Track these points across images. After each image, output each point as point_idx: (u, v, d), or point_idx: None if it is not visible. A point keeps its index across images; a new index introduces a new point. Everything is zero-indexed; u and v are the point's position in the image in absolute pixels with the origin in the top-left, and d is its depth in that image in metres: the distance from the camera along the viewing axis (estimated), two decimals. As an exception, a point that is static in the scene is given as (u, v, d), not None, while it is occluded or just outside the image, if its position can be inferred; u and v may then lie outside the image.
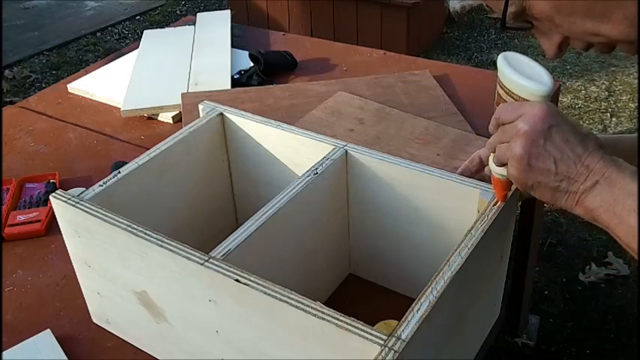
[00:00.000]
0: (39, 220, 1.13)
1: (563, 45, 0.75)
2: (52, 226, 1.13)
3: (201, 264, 0.72)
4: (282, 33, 1.89)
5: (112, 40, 3.93)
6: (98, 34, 4.00)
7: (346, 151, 0.92)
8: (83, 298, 0.94)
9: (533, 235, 1.55)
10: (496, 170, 0.76)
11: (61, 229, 0.87)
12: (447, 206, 0.86)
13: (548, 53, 0.77)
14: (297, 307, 0.65)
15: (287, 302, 0.66)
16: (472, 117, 1.35)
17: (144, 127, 1.44)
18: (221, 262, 0.72)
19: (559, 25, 0.72)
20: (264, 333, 0.71)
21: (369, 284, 1.01)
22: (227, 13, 1.95)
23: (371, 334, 0.62)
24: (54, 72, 3.55)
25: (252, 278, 0.69)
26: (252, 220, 0.81)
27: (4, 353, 0.89)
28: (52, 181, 1.24)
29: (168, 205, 0.98)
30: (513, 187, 0.78)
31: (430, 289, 0.67)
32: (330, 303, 0.68)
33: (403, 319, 0.63)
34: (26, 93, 3.26)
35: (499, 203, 0.79)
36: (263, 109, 1.38)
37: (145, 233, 0.76)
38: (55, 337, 0.91)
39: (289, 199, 0.84)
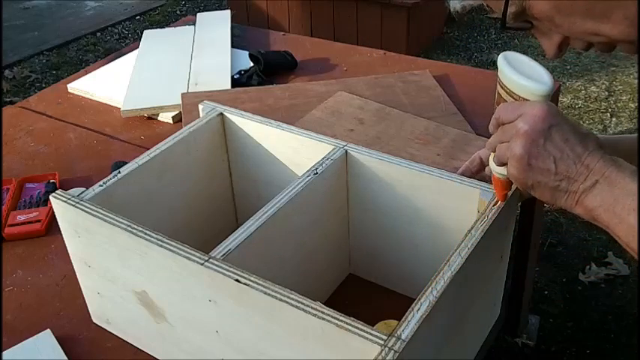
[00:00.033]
0: (39, 220, 1.13)
1: (563, 45, 0.75)
2: (52, 226, 1.13)
3: (201, 264, 0.72)
4: (282, 33, 1.89)
5: (112, 40, 3.93)
6: (98, 34, 4.00)
7: (346, 151, 0.92)
8: (83, 298, 0.94)
9: (533, 235, 1.55)
10: (496, 170, 0.76)
11: (61, 229, 0.87)
12: (447, 206, 0.86)
13: (549, 53, 0.77)
14: (297, 307, 0.65)
15: (287, 302, 0.66)
16: (472, 117, 1.35)
17: (144, 127, 1.44)
18: (221, 262, 0.72)
19: (559, 25, 0.72)
20: (264, 333, 0.71)
21: (369, 284, 1.01)
22: (227, 13, 1.95)
23: (371, 334, 0.62)
24: (54, 72, 3.55)
25: (252, 278, 0.69)
26: (252, 220, 0.81)
27: (4, 353, 0.89)
28: (52, 181, 1.24)
29: (168, 205, 0.98)
30: (514, 187, 0.79)
31: (430, 289, 0.67)
32: (330, 303, 0.68)
33: (403, 319, 0.63)
34: (26, 93, 3.26)
35: (499, 203, 0.79)
36: (263, 109, 1.38)
37: (145, 233, 0.76)
38: (55, 337, 0.91)
39: (289, 199, 0.84)
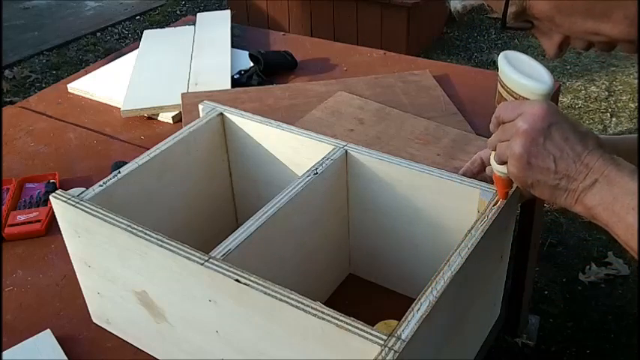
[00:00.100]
0: (39, 220, 1.13)
1: (563, 45, 0.75)
2: (52, 226, 1.13)
3: (201, 264, 0.72)
4: (282, 33, 1.89)
5: (112, 40, 3.93)
6: (98, 34, 4.00)
7: (346, 151, 0.92)
8: (83, 298, 0.93)
9: (533, 235, 1.55)
10: (497, 168, 0.76)
11: (61, 229, 0.87)
12: (447, 206, 0.86)
13: (549, 53, 0.77)
14: (297, 307, 0.65)
15: (287, 302, 0.66)
16: (472, 117, 1.35)
17: (144, 127, 1.44)
18: (221, 262, 0.72)
19: (559, 25, 0.72)
20: (264, 333, 0.71)
21: (369, 284, 1.01)
22: (227, 13, 1.95)
23: (371, 334, 0.62)
24: (54, 72, 3.55)
25: (252, 278, 0.69)
26: (252, 220, 0.81)
27: (4, 353, 0.89)
28: (52, 181, 1.24)
29: (168, 205, 0.98)
30: (515, 185, 0.79)
31: (430, 289, 0.67)
32: (330, 303, 0.68)
33: (403, 319, 0.63)
34: (26, 93, 3.26)
35: (499, 203, 0.79)
36: (263, 109, 1.38)
37: (145, 233, 0.76)
38: (55, 337, 0.91)
39: (289, 199, 0.84)
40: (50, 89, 1.67)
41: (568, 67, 3.30)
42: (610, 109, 2.93)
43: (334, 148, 0.92)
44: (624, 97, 3.02)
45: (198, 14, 1.96)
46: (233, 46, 1.74)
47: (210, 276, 0.71)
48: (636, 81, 3.13)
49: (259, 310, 0.69)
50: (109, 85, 1.60)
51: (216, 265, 0.71)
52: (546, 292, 2.00)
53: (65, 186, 1.23)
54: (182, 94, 1.47)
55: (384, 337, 0.61)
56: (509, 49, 0.76)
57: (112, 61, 1.74)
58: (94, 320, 0.95)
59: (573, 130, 0.67)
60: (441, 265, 0.70)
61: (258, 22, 3.61)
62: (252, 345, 0.73)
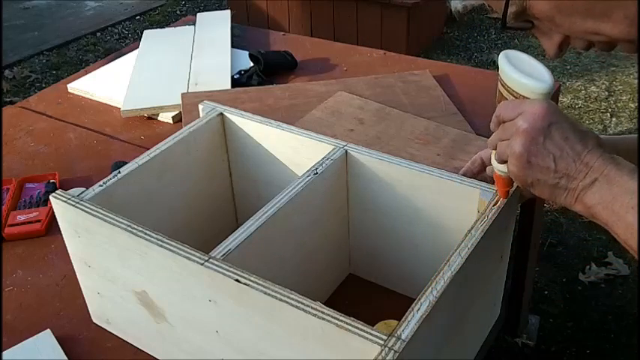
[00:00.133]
0: (39, 220, 1.13)
1: (563, 44, 0.76)
2: (52, 226, 1.13)
3: (201, 264, 0.72)
4: (282, 33, 1.89)
5: (112, 40, 3.93)
6: (98, 34, 4.00)
7: (346, 151, 0.92)
8: (83, 298, 0.93)
9: (533, 235, 1.55)
10: (498, 167, 0.77)
11: (61, 229, 0.87)
12: (447, 206, 0.86)
13: (549, 53, 0.77)
14: (297, 307, 0.65)
15: (287, 302, 0.66)
16: (472, 117, 1.35)
17: (144, 127, 1.44)
18: (221, 262, 0.72)
19: (559, 25, 0.72)
20: (264, 333, 0.71)
21: (369, 284, 1.01)
22: (227, 13, 1.95)
23: (371, 334, 0.62)
24: (54, 72, 3.55)
25: (252, 278, 0.69)
26: (252, 220, 0.81)
27: (4, 353, 0.89)
28: (52, 181, 1.24)
29: (168, 205, 0.98)
30: (515, 184, 0.79)
31: (430, 289, 0.67)
32: (330, 303, 0.68)
33: (403, 319, 0.63)
34: (26, 93, 3.26)
35: (499, 203, 0.79)
36: (263, 109, 1.38)
37: (145, 233, 0.76)
38: (55, 337, 0.91)
39: (289, 199, 0.84)
40: (50, 89, 1.67)
41: (568, 67, 3.30)
42: (610, 109, 2.93)
43: (334, 148, 0.92)
44: (624, 97, 3.02)
45: (198, 14, 1.96)
46: (233, 46, 1.74)
47: (210, 276, 0.71)
48: (636, 81, 3.13)
49: (259, 310, 0.69)
50: (109, 85, 1.60)
51: (216, 265, 0.71)
52: (546, 292, 2.00)
53: (65, 186, 1.23)
54: (182, 94, 1.47)
55: (384, 337, 0.61)
56: (510, 49, 0.76)
57: (112, 61, 1.74)
58: (94, 320, 0.95)
59: (573, 129, 0.67)
60: (441, 265, 0.70)
61: (258, 22, 3.61)
62: (252, 345, 0.73)
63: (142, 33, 1.87)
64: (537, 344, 1.81)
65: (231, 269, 0.70)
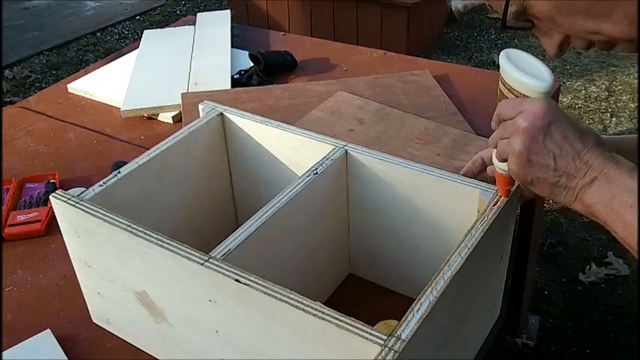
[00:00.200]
0: (39, 220, 1.13)
1: (564, 44, 0.76)
2: (52, 226, 1.13)
3: (201, 264, 0.72)
4: (282, 33, 1.89)
5: (112, 40, 3.93)
6: (98, 34, 4.00)
7: (346, 151, 0.92)
8: (83, 298, 0.93)
9: (533, 235, 1.55)
10: (499, 166, 0.77)
11: (61, 229, 0.87)
12: (447, 206, 0.86)
13: (549, 53, 0.77)
14: (297, 307, 0.65)
15: (287, 302, 0.66)
16: (472, 117, 1.35)
17: (144, 127, 1.44)
18: (221, 262, 0.71)
19: (560, 25, 0.72)
20: (264, 333, 0.71)
21: (369, 284, 1.01)
22: (227, 13, 1.95)
23: (371, 334, 0.62)
24: (54, 72, 3.55)
25: (252, 278, 0.69)
26: (252, 220, 0.81)
27: (4, 353, 0.89)
28: (52, 181, 1.24)
29: (169, 205, 0.98)
30: (516, 183, 0.79)
31: (430, 289, 0.67)
32: (330, 303, 0.68)
33: (403, 319, 0.63)
34: (26, 93, 3.26)
35: (499, 203, 0.79)
36: (263, 109, 1.38)
37: (145, 233, 0.76)
38: (55, 337, 0.91)
39: (289, 199, 0.84)
40: (50, 89, 1.67)
41: (568, 67, 3.30)
42: (610, 109, 2.93)
43: (334, 148, 0.92)
44: (624, 97, 3.02)
45: (198, 14, 1.96)
46: (233, 46, 1.74)
47: (210, 276, 0.71)
48: (636, 81, 3.13)
49: (259, 310, 0.69)
50: (109, 85, 1.60)
51: (216, 265, 0.71)
52: (546, 292, 2.00)
53: (65, 186, 1.23)
54: (182, 94, 1.47)
55: (384, 337, 0.61)
56: (510, 48, 0.76)
57: (112, 61, 1.74)
58: (94, 320, 0.95)
59: (573, 128, 0.67)
60: (441, 265, 0.70)
61: (258, 22, 3.61)
62: (252, 345, 0.73)
63: (142, 33, 1.87)
64: (537, 344, 1.81)
65: (231, 269, 0.70)
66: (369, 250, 0.99)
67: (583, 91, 3.08)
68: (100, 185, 0.87)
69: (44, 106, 1.55)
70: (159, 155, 0.94)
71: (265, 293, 0.67)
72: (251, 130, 1.02)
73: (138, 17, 4.21)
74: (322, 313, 0.64)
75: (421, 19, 3.36)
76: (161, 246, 0.74)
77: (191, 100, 1.42)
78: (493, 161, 0.78)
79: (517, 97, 0.72)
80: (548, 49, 0.77)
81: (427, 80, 1.50)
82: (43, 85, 3.34)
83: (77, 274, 0.91)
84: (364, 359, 0.61)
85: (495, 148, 0.75)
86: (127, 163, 0.92)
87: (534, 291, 1.95)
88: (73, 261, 0.90)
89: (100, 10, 4.32)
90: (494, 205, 0.79)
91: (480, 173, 0.89)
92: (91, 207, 0.81)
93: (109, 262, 0.83)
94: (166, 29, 1.93)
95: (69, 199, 0.83)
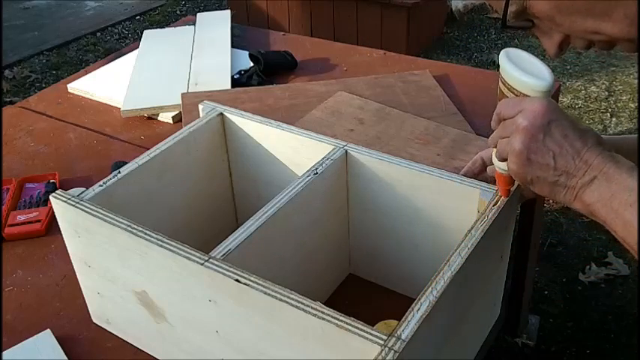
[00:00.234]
0: (39, 220, 1.13)
1: (564, 44, 0.76)
2: (52, 226, 1.13)
3: (201, 264, 0.72)
4: (282, 33, 1.89)
5: (112, 40, 3.93)
6: (98, 34, 3.99)
7: (346, 151, 0.92)
8: (83, 298, 0.93)
9: (533, 235, 1.55)
10: (499, 165, 0.77)
11: (61, 229, 0.87)
12: (447, 206, 0.86)
13: (549, 52, 0.77)
14: (297, 307, 0.65)
15: (287, 302, 0.66)
16: (472, 117, 1.35)
17: (144, 127, 1.44)
18: (221, 262, 0.71)
19: (560, 24, 0.72)
20: (264, 333, 0.71)
21: (369, 284, 1.01)
22: (227, 13, 1.95)
23: (371, 334, 0.62)
24: (54, 72, 3.55)
25: (252, 278, 0.69)
26: (252, 220, 0.81)
27: (4, 353, 0.89)
28: (52, 181, 1.24)
29: (169, 205, 0.98)
30: (516, 183, 0.79)
31: (430, 289, 0.67)
32: (330, 303, 0.68)
33: (403, 319, 0.63)
34: (26, 93, 3.26)
35: (499, 203, 0.79)
36: (263, 109, 1.38)
37: (145, 233, 0.76)
38: (55, 337, 0.91)
39: (289, 199, 0.84)
40: (50, 89, 1.67)
41: (568, 67, 3.30)
42: (610, 109, 2.93)
43: (334, 148, 0.92)
44: (624, 97, 3.02)
45: (198, 14, 1.96)
46: (233, 46, 1.74)
47: (210, 276, 0.71)
48: (636, 81, 3.13)
49: (259, 310, 0.69)
50: (109, 85, 1.60)
51: (216, 265, 0.71)
52: (546, 292, 2.00)
53: (65, 186, 1.23)
54: (182, 94, 1.47)
55: (384, 337, 0.61)
56: (510, 47, 0.76)
57: (112, 61, 1.74)
58: (94, 320, 0.95)
59: (573, 127, 0.67)
60: (441, 265, 0.70)
61: (258, 22, 3.61)
62: (252, 345, 0.73)
63: (142, 33, 1.87)
64: (537, 344, 1.81)
65: (231, 269, 0.70)
66: (369, 250, 0.99)
67: (583, 91, 3.09)
68: (100, 185, 0.87)
69: (44, 106, 1.55)
70: (159, 155, 0.94)
71: (265, 293, 0.67)
72: (251, 130, 1.02)
73: (138, 17, 4.21)
74: (322, 313, 0.64)
75: (421, 19, 3.36)
76: (161, 246, 0.74)
77: (191, 100, 1.42)
78: (493, 161, 0.78)
79: (517, 96, 0.72)
80: (548, 49, 0.77)
81: (427, 80, 1.50)
82: (43, 85, 3.34)
83: (77, 274, 0.91)
84: (364, 359, 0.61)
85: (495, 147, 0.75)
86: (127, 163, 0.92)
87: (534, 291, 1.95)
88: (73, 261, 0.90)
89: (100, 10, 4.32)
90: (494, 205, 0.79)
91: (480, 173, 0.89)
92: (91, 207, 0.81)
93: (109, 262, 0.83)
94: (166, 29, 1.93)
95: (69, 199, 0.83)
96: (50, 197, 0.84)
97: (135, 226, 0.77)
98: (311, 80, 1.56)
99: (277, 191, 0.85)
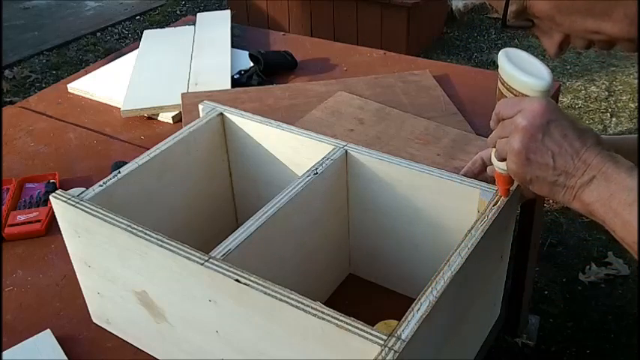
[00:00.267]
0: (39, 220, 1.13)
1: (564, 44, 0.76)
2: (52, 226, 1.13)
3: (201, 264, 0.72)
4: (282, 33, 1.89)
5: (112, 40, 3.93)
6: (98, 34, 4.00)
7: (346, 151, 0.92)
8: (83, 298, 0.93)
9: (533, 235, 1.55)
10: (498, 165, 0.77)
11: (61, 229, 0.87)
12: (447, 206, 0.86)
13: (550, 52, 0.77)
14: (297, 307, 0.65)
15: (287, 302, 0.66)
16: (472, 117, 1.35)
17: (144, 127, 1.44)
18: (221, 262, 0.71)
19: (560, 24, 0.73)
20: (264, 333, 0.71)
21: (369, 284, 1.01)
22: (227, 13, 1.95)
23: (371, 334, 0.62)
24: (54, 72, 3.55)
25: (252, 278, 0.69)
26: (252, 220, 0.81)
27: (4, 353, 0.89)
28: (52, 181, 1.24)
29: (169, 205, 0.98)
30: (516, 182, 0.79)
31: (430, 289, 0.67)
32: (330, 303, 0.68)
33: (403, 319, 0.63)
34: (26, 93, 3.26)
35: (499, 203, 0.79)
36: (263, 109, 1.38)
37: (145, 233, 0.76)
38: (55, 337, 0.91)
39: (289, 199, 0.84)
40: (50, 89, 1.67)
41: (568, 67, 3.30)
42: (610, 109, 2.93)
43: (334, 148, 0.92)
44: (624, 97, 3.02)
45: (198, 14, 1.96)
46: (233, 46, 1.74)
47: (210, 276, 0.71)
48: (636, 81, 3.13)
49: (259, 310, 0.69)
50: (109, 85, 1.60)
51: (216, 265, 0.71)
52: (546, 292, 2.00)
53: (65, 186, 1.23)
54: (182, 94, 1.47)
55: (384, 337, 0.61)
56: (510, 47, 0.76)
57: (112, 61, 1.74)
58: (94, 320, 0.95)
59: (572, 126, 0.67)
60: (441, 265, 0.70)
61: (258, 22, 3.61)
62: (252, 345, 0.73)
63: (142, 33, 1.87)
64: (537, 344, 1.81)
65: (231, 269, 0.70)
66: (369, 250, 0.99)
67: (583, 91, 3.09)
68: (100, 185, 0.87)
69: (44, 106, 1.55)
70: (159, 155, 0.94)
71: (265, 293, 0.67)
72: (251, 130, 1.02)
73: (138, 17, 4.21)
74: (322, 313, 0.64)
75: (421, 19, 3.36)
76: (161, 246, 0.74)
77: (191, 100, 1.42)
78: (492, 160, 0.78)
79: (516, 96, 0.72)
80: (548, 49, 0.77)
81: (427, 80, 1.50)
82: (43, 85, 3.34)
83: (77, 274, 0.91)
84: (364, 359, 0.61)
85: (494, 147, 0.75)
86: (127, 163, 0.92)
87: (534, 291, 1.95)
88: (73, 261, 0.90)
89: (100, 10, 4.32)
90: (494, 205, 0.79)
91: (481, 173, 0.89)
92: (91, 207, 0.81)
93: (109, 262, 0.83)
94: (166, 29, 1.93)
95: (69, 199, 0.83)
96: (50, 197, 0.84)
97: (135, 226, 0.77)
98: (311, 80, 1.56)
99: (277, 191, 0.85)
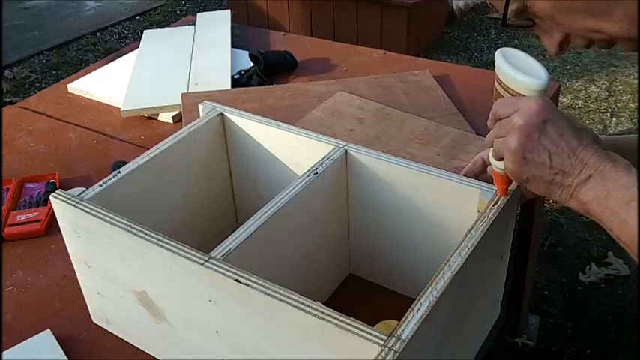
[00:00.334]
0: (39, 220, 1.13)
1: (564, 43, 0.76)
2: (52, 226, 1.13)
3: (201, 264, 0.72)
4: (282, 33, 1.89)
5: (112, 40, 3.93)
6: (98, 34, 4.00)
7: (346, 151, 0.92)
8: (83, 298, 0.93)
9: (533, 235, 1.55)
10: (495, 164, 0.77)
11: (61, 229, 0.87)
12: (447, 206, 0.86)
13: (550, 51, 0.77)
14: (297, 307, 0.65)
15: (287, 302, 0.66)
16: (472, 117, 1.35)
17: (144, 127, 1.44)
18: (221, 262, 0.71)
19: (560, 23, 0.73)
20: (264, 333, 0.71)
21: (369, 284, 1.01)
22: (227, 13, 1.95)
23: (371, 334, 0.62)
24: (54, 72, 3.55)
25: (252, 278, 0.69)
26: (252, 220, 0.81)
27: (4, 353, 0.89)
28: (52, 181, 1.24)
29: (169, 205, 0.98)
30: (514, 182, 0.79)
31: (430, 289, 0.67)
32: (330, 303, 0.68)
33: (403, 319, 0.63)
34: (26, 93, 3.26)
35: (499, 203, 0.79)
36: (263, 109, 1.38)
37: (145, 233, 0.76)
38: (55, 337, 0.91)
39: (289, 199, 0.84)
40: (50, 89, 1.67)
41: (568, 67, 3.30)
42: (610, 109, 2.93)
43: (334, 148, 0.92)
44: (624, 97, 3.02)
45: (198, 14, 1.96)
46: (233, 46, 1.74)
47: (210, 276, 0.71)
48: (636, 81, 3.13)
49: (259, 310, 0.69)
50: (109, 85, 1.60)
51: (216, 265, 0.71)
52: (546, 292, 2.00)
53: (65, 186, 1.23)
54: (182, 94, 1.47)
55: (384, 337, 0.61)
56: (507, 47, 0.76)
57: (112, 61, 1.74)
58: (94, 320, 0.95)
59: (569, 126, 0.67)
60: (441, 265, 0.70)
61: (258, 22, 3.61)
62: (252, 345, 0.73)
63: (142, 33, 1.87)
64: (537, 344, 1.81)
65: (231, 269, 0.70)
66: (369, 250, 0.99)
67: (583, 91, 3.09)
68: (100, 185, 0.87)
69: (44, 106, 1.55)
70: (159, 155, 0.94)
71: (265, 293, 0.67)
72: (251, 130, 1.02)
73: (138, 17, 4.21)
74: (322, 313, 0.64)
75: (421, 19, 3.36)
76: (161, 246, 0.74)
77: (191, 100, 1.42)
78: (490, 160, 0.78)
79: (512, 95, 0.72)
80: (548, 48, 0.77)
81: (427, 80, 1.50)
82: (43, 85, 3.34)
83: (77, 274, 0.91)
84: (364, 359, 0.61)
85: (492, 147, 0.75)
86: (127, 163, 0.92)
87: (534, 291, 1.95)
88: (73, 261, 0.90)
89: (100, 10, 4.32)
90: (494, 205, 0.79)
91: (481, 174, 0.89)
92: (91, 207, 0.81)
93: (109, 262, 0.83)
94: (166, 29, 1.93)
95: (69, 199, 0.83)
96: (50, 197, 0.84)
97: (135, 226, 0.77)
98: (311, 80, 1.56)
99: (277, 191, 0.85)
